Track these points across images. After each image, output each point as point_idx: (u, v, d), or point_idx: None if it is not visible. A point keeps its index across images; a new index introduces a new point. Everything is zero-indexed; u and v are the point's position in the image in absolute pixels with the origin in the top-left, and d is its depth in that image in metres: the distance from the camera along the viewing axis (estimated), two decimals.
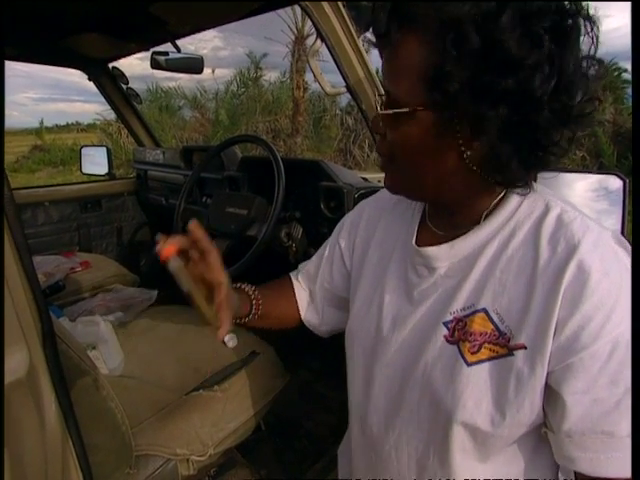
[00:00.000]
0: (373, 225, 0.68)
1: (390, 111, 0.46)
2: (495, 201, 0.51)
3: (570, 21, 0.40)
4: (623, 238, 0.47)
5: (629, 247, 0.46)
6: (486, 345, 0.48)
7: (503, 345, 0.46)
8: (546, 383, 0.45)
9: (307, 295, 0.77)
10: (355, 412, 0.64)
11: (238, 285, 0.71)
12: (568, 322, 0.43)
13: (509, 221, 0.50)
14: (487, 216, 0.51)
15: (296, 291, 0.77)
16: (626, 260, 0.45)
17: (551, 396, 0.45)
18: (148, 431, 0.93)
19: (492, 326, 0.48)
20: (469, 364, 0.48)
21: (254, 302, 0.70)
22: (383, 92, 0.50)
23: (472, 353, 0.48)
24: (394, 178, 0.53)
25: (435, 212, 0.58)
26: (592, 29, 0.41)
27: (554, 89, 0.40)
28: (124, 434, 0.81)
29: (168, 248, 0.52)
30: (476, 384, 0.47)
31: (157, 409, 0.99)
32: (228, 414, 1.03)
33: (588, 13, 0.41)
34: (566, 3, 0.40)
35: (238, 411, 1.05)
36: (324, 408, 1.59)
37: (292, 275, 0.79)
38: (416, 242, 0.58)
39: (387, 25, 0.45)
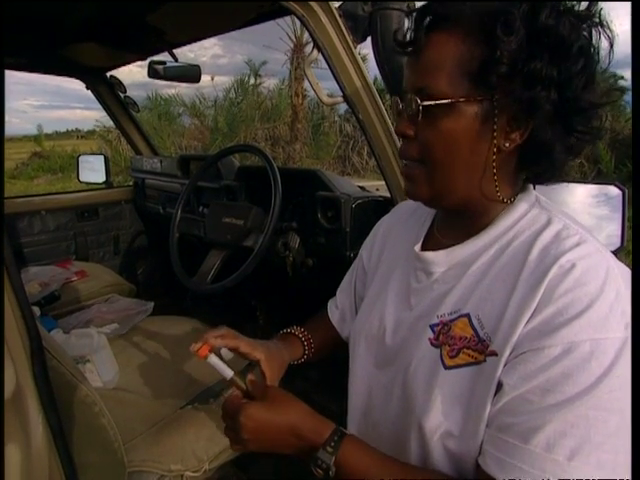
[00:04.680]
0: (388, 235, 0.70)
1: (431, 102, 0.46)
2: (503, 211, 0.51)
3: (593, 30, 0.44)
4: (627, 268, 0.45)
5: (628, 276, 0.44)
6: (465, 350, 0.47)
7: (481, 352, 0.46)
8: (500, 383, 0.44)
9: (339, 313, 0.79)
10: (355, 413, 0.64)
11: (288, 330, 0.77)
12: (529, 325, 0.42)
13: (509, 231, 0.50)
14: (489, 225, 0.51)
15: (330, 314, 0.80)
16: (615, 284, 0.42)
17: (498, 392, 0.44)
18: (142, 446, 0.92)
19: (472, 331, 0.48)
20: (446, 367, 0.48)
21: (305, 343, 0.75)
22: (400, 94, 0.51)
23: (450, 357, 0.48)
24: (422, 184, 0.51)
25: (444, 221, 0.59)
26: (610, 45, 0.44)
27: (585, 83, 0.43)
28: (116, 451, 0.79)
29: (203, 349, 0.60)
30: (450, 388, 0.47)
31: (151, 423, 0.97)
32: (224, 428, 1.01)
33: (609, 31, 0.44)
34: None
35: None
36: None
37: (329, 301, 0.82)
38: (422, 249, 0.58)
39: (417, 30, 0.47)
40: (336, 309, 0.79)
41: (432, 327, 0.51)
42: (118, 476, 0.82)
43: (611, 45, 0.44)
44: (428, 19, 0.46)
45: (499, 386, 0.44)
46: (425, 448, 0.49)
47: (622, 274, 0.44)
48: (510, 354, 0.43)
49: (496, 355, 0.44)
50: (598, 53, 0.44)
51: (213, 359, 0.59)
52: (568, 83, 0.43)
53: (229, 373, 0.59)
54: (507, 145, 0.46)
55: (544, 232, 0.47)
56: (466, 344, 0.47)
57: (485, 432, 0.44)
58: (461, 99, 0.44)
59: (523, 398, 0.41)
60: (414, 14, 0.48)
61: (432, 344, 0.51)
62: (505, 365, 0.43)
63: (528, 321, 0.43)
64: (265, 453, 1.34)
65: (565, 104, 0.43)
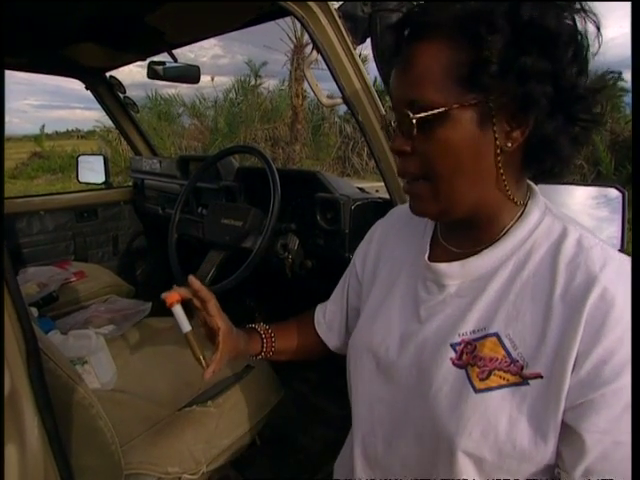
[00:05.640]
0: (384, 241, 0.67)
1: (424, 114, 0.44)
2: (514, 220, 0.50)
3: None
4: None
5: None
6: (496, 372, 0.46)
7: (515, 373, 0.45)
8: (562, 421, 0.42)
9: (326, 325, 0.77)
10: (359, 428, 0.62)
11: (252, 325, 0.75)
12: (589, 355, 0.41)
13: (526, 242, 0.48)
14: (503, 235, 0.50)
15: (316, 324, 0.77)
16: None
17: (569, 436, 0.42)
18: (139, 449, 0.91)
19: (503, 352, 0.46)
20: (477, 391, 0.46)
21: (265, 341, 0.73)
22: (393, 108, 0.49)
23: (481, 379, 0.46)
24: (428, 200, 0.49)
25: (449, 229, 0.56)
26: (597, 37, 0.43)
27: (579, 70, 0.43)
28: (113, 453, 0.78)
29: (172, 296, 0.61)
30: (484, 413, 0.45)
31: (149, 425, 0.97)
32: (222, 430, 1.01)
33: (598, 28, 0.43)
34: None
35: (232, 427, 1.03)
36: (321, 422, 1.56)
37: (317, 307, 0.80)
38: (428, 258, 0.56)
39: (398, 42, 0.46)
40: (323, 320, 0.77)
41: (453, 346, 0.49)
42: (115, 479, 0.82)
43: (598, 28, 0.42)
44: (408, 30, 0.46)
45: (567, 427, 0.42)
46: (455, 470, 0.47)
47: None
48: (572, 386, 0.41)
49: (541, 377, 0.43)
50: (587, 37, 0.43)
51: (177, 309, 0.61)
52: (562, 73, 0.42)
53: (187, 328, 0.61)
54: (509, 145, 0.45)
55: (564, 243, 0.46)
56: (497, 365, 0.46)
57: (571, 479, 0.42)
58: (455, 105, 0.43)
59: (616, 442, 0.40)
60: (393, 28, 0.47)
61: (455, 364, 0.48)
62: (572, 405, 0.42)
63: (586, 350, 0.41)
64: (263, 455, 1.35)
65: (562, 94, 0.42)
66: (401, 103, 0.47)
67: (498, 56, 0.41)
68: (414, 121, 0.45)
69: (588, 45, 0.43)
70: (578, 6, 0.42)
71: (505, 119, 0.44)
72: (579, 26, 0.43)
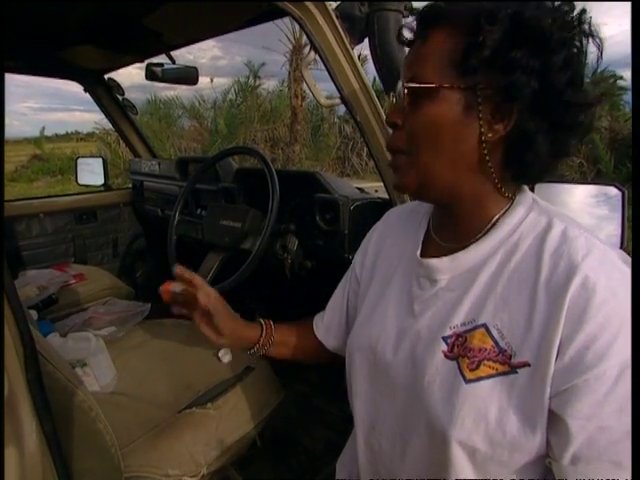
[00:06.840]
0: (382, 242, 0.69)
1: (416, 85, 0.47)
2: (501, 212, 0.51)
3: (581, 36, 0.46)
4: (629, 257, 0.45)
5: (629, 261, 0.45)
6: (485, 362, 0.46)
7: (503, 362, 0.45)
8: (549, 409, 0.43)
9: (324, 327, 0.77)
10: (361, 425, 0.62)
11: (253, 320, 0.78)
12: (572, 341, 0.41)
13: (512, 234, 0.49)
14: (491, 228, 0.51)
15: (314, 327, 0.78)
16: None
17: (555, 423, 0.43)
18: (139, 451, 0.91)
19: (492, 342, 0.47)
20: (467, 381, 0.47)
21: (265, 328, 0.76)
22: (398, 89, 0.51)
23: (471, 370, 0.47)
24: (408, 174, 0.51)
25: (440, 224, 0.58)
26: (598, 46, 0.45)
27: (570, 80, 0.44)
28: (113, 456, 0.78)
29: (165, 286, 0.72)
30: (474, 402, 0.46)
31: (149, 428, 0.96)
32: (222, 432, 1.00)
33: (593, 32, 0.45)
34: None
35: (232, 429, 1.03)
36: (322, 422, 1.56)
37: (317, 314, 0.81)
38: (421, 254, 0.57)
39: (419, 25, 0.50)
40: (321, 322, 0.77)
41: (445, 339, 0.50)
42: None
43: (600, 51, 0.45)
44: (421, 19, 0.49)
45: (553, 414, 0.43)
46: (450, 463, 0.48)
47: (625, 261, 0.44)
48: (556, 373, 0.42)
49: (529, 366, 0.44)
50: (585, 55, 0.45)
51: (174, 288, 0.72)
52: (549, 74, 0.43)
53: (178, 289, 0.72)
54: (490, 135, 0.46)
55: (549, 234, 0.47)
56: (486, 355, 0.46)
57: (560, 466, 0.43)
58: (445, 85, 0.46)
59: (601, 428, 0.41)
60: (411, 17, 0.51)
61: (446, 356, 0.49)
62: (557, 391, 0.42)
63: (569, 337, 0.41)
64: (264, 456, 1.34)
65: (547, 95, 0.44)
66: (404, 79, 0.50)
67: (492, 45, 0.43)
68: (406, 91, 0.48)
69: (585, 62, 0.45)
70: (586, 28, 0.44)
71: (490, 110, 0.46)
72: (578, 43, 0.44)
